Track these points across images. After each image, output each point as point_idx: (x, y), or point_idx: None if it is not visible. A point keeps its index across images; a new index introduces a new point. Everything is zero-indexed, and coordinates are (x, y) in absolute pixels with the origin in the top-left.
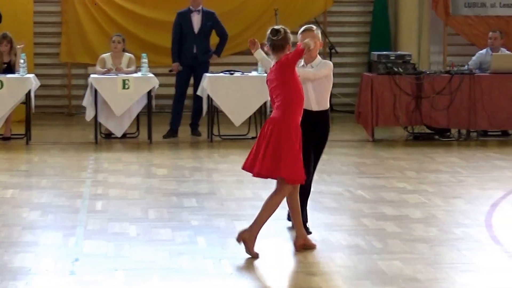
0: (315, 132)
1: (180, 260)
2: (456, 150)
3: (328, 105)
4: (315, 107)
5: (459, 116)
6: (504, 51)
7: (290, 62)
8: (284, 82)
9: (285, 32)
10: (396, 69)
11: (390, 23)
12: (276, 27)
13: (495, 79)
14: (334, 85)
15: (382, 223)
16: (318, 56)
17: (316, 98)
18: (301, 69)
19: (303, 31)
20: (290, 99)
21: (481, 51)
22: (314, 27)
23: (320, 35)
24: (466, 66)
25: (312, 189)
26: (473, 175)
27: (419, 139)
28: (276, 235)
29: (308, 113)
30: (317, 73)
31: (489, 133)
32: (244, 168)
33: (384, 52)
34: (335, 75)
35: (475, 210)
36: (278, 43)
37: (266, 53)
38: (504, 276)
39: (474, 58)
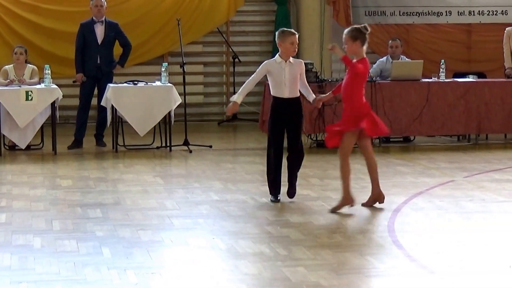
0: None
1: (84, 271)
2: (358, 157)
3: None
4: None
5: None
6: (404, 58)
7: None
8: None
9: None
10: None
11: None
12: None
13: (396, 86)
14: None
15: (287, 230)
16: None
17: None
18: None
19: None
20: None
21: (381, 59)
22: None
23: None
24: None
25: (216, 197)
26: None
27: (322, 147)
28: (183, 244)
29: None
30: None
31: (391, 140)
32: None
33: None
34: (238, 83)
35: (378, 215)
36: None
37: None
38: (407, 280)
39: (374, 66)
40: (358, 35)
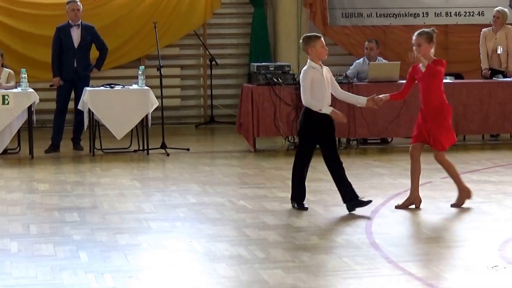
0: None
1: (62, 275)
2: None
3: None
4: None
5: (338, 125)
6: (380, 60)
7: None
8: None
9: None
10: (275, 80)
11: (269, 34)
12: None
13: (373, 87)
14: (215, 96)
15: (264, 233)
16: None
17: None
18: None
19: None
20: None
21: (357, 61)
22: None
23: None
24: (343, 75)
25: (194, 200)
26: (353, 182)
27: None
28: (160, 247)
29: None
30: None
31: (368, 141)
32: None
33: (264, 63)
34: (215, 86)
35: (356, 217)
36: None
37: None
38: (385, 282)
39: (351, 67)
40: (432, 38)
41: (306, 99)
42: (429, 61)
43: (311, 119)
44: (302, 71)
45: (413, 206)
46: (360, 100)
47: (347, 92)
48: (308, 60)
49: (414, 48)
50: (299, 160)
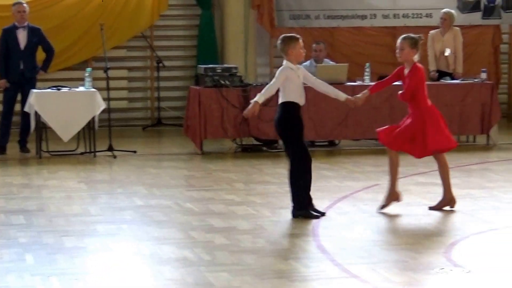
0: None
1: (7, 278)
2: (283, 162)
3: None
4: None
5: None
6: (328, 62)
7: None
8: None
9: None
10: (223, 82)
11: (217, 36)
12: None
13: None
14: (162, 98)
15: (210, 235)
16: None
17: None
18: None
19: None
20: None
21: (305, 63)
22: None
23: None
24: None
25: (141, 203)
26: None
27: (247, 151)
28: (106, 250)
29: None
30: None
31: (316, 143)
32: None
33: (211, 65)
34: (162, 88)
35: (302, 220)
36: None
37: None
38: (330, 285)
39: None
40: (416, 44)
41: (265, 89)
42: (410, 65)
43: (289, 112)
44: (279, 70)
45: (447, 208)
46: (339, 96)
47: (327, 85)
48: (286, 61)
49: (397, 51)
50: (296, 163)
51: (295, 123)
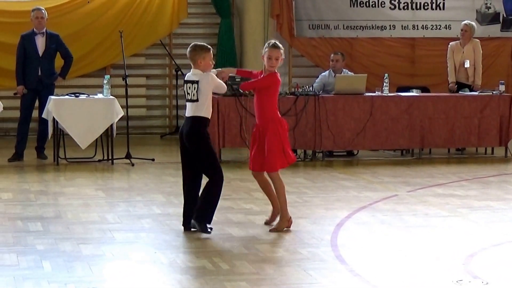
0: None
1: (25, 285)
2: (302, 171)
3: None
4: None
5: (304, 137)
6: (346, 72)
7: None
8: None
9: None
10: (241, 91)
11: (236, 45)
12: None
13: (339, 100)
14: (180, 106)
15: (229, 244)
16: None
17: None
18: None
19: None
20: None
21: (323, 73)
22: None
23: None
24: (311, 88)
25: (159, 211)
26: (319, 195)
27: None
28: (124, 258)
29: None
30: None
31: (334, 154)
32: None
33: (230, 74)
34: (181, 96)
35: (321, 230)
36: None
37: None
38: None
39: (317, 80)
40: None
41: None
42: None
43: (200, 126)
44: (211, 76)
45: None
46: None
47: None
48: (193, 70)
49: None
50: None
51: (208, 138)
